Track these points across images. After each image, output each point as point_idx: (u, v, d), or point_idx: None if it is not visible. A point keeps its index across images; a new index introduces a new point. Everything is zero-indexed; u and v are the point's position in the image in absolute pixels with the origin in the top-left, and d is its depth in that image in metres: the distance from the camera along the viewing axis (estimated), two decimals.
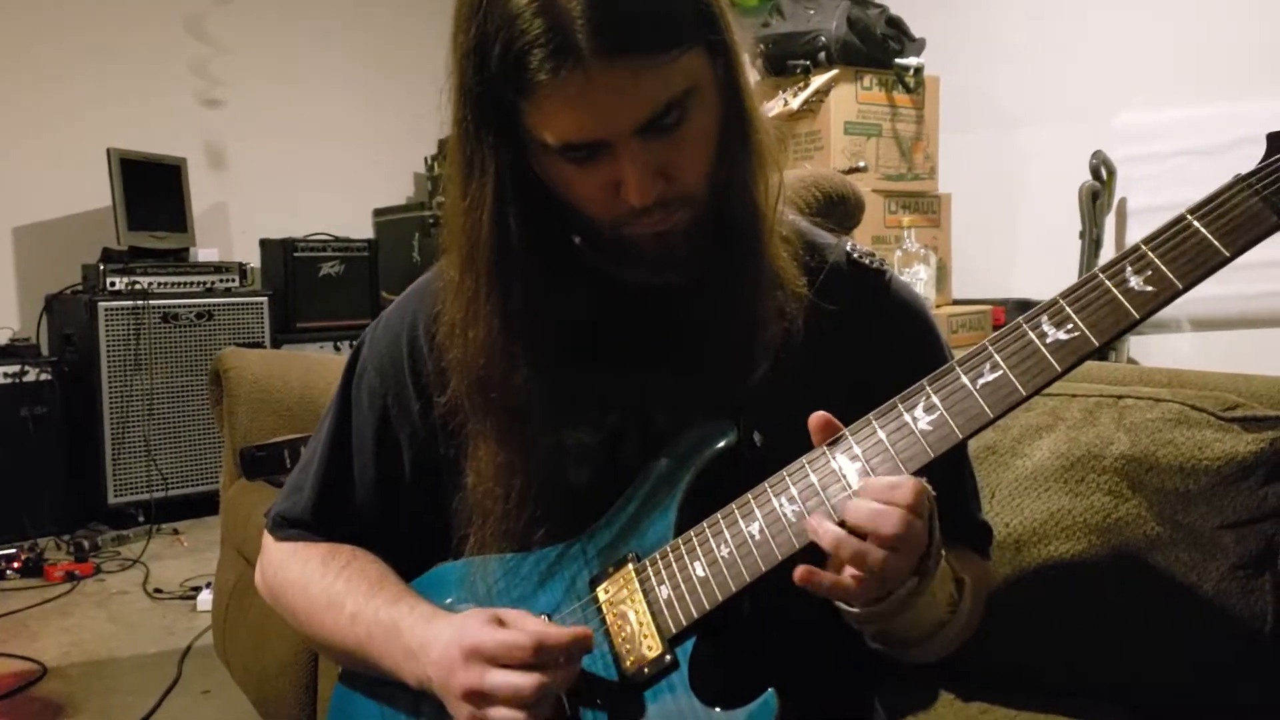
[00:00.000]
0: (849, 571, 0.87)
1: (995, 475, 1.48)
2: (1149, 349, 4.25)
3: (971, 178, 4.40)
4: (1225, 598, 1.30)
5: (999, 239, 4.62)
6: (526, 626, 0.96)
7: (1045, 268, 4.29)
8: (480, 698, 0.94)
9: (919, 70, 3.92)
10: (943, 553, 0.93)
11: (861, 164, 3.68)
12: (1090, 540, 1.39)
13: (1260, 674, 1.29)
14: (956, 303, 4.20)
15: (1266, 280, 3.91)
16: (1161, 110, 4.19)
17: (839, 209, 2.15)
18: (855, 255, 1.10)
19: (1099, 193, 4.16)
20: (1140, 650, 1.35)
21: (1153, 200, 4.13)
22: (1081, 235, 4.19)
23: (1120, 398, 1.45)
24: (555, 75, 0.87)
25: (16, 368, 4.19)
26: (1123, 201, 4.28)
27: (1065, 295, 0.86)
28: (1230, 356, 3.90)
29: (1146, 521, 1.35)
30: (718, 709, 0.90)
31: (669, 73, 0.89)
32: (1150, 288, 0.83)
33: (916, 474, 0.88)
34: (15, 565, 3.86)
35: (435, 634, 1.01)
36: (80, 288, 4.51)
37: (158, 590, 3.67)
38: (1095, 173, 4.17)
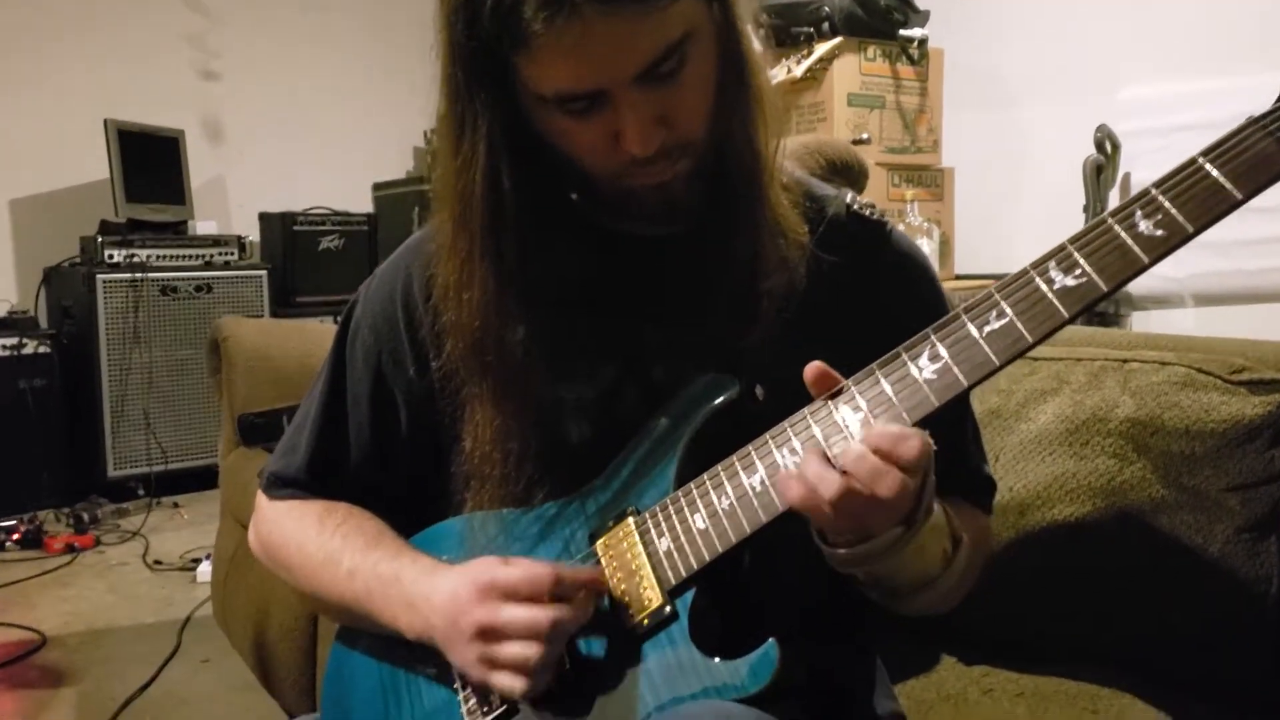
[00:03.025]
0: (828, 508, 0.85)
1: (999, 439, 1.47)
2: (1150, 325, 4.24)
3: (975, 151, 4.38)
4: (1230, 560, 1.29)
5: (1002, 213, 4.59)
6: (539, 563, 0.95)
7: (1048, 242, 4.22)
8: (492, 633, 0.93)
9: (923, 42, 3.90)
10: (937, 508, 0.92)
11: (864, 136, 3.66)
12: (1094, 503, 1.37)
13: (1265, 636, 1.28)
14: (959, 278, 4.19)
15: (1269, 256, 3.89)
16: (1167, 84, 4.16)
17: (842, 177, 2.14)
18: (855, 207, 1.09)
19: (1103, 167, 4.14)
20: (1144, 613, 1.34)
21: (1157, 174, 4.09)
22: (1085, 210, 4.17)
23: (1126, 361, 1.44)
24: (550, 25, 0.85)
25: (15, 340, 4.17)
26: (1127, 176, 4.26)
27: (1073, 241, 0.84)
28: (1232, 332, 3.88)
29: (1151, 484, 1.34)
30: (717, 659, 0.89)
31: (666, 18, 0.88)
32: (1160, 232, 0.81)
33: (920, 423, 0.86)
34: (15, 537, 3.86)
35: (438, 584, 1.00)
36: (78, 260, 4.49)
37: (157, 562, 3.67)
38: (1100, 146, 4.15)
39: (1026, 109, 4.67)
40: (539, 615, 0.91)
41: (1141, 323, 4.24)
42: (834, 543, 0.90)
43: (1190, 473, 1.32)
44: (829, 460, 0.85)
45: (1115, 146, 4.18)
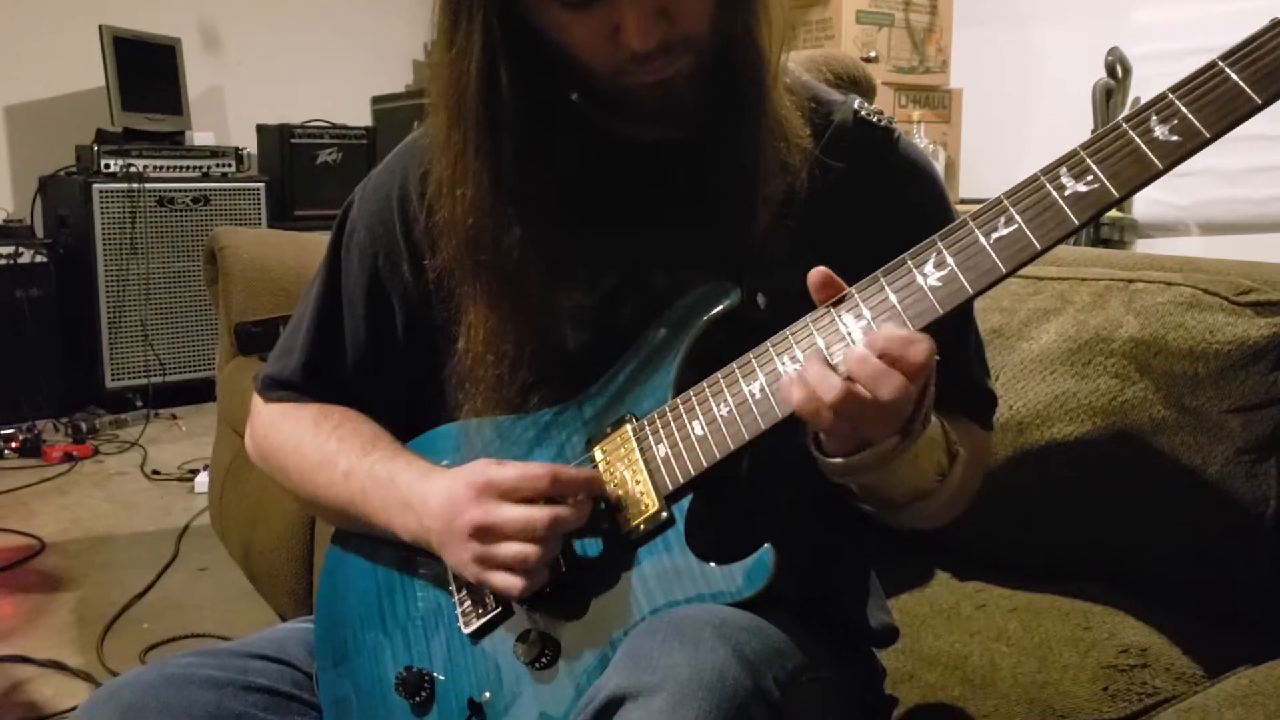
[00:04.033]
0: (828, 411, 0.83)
1: (1001, 358, 1.46)
2: (1156, 253, 4.21)
3: (984, 73, 4.31)
4: (1229, 481, 1.29)
5: (1009, 137, 4.53)
6: (534, 464, 0.95)
7: None
8: (489, 533, 0.93)
9: None
10: (934, 420, 0.91)
11: (873, 54, 3.60)
12: (1095, 423, 1.37)
13: (1261, 557, 1.29)
14: (964, 202, 4.15)
15: (1274, 184, 3.86)
16: (1181, 7, 4.08)
17: (849, 91, 2.09)
18: (863, 113, 1.06)
19: (1113, 91, 4.08)
20: (1141, 532, 1.35)
21: None
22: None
23: (1131, 281, 1.43)
24: None
25: (11, 249, 4.14)
26: (1137, 101, 4.20)
27: (1086, 146, 0.82)
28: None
29: (1153, 405, 1.34)
30: (712, 564, 0.89)
31: None
32: (1176, 137, 0.79)
33: (923, 332, 0.85)
34: (13, 445, 3.87)
35: (434, 486, 0.99)
36: (74, 169, 4.44)
37: (155, 472, 3.68)
38: (1110, 70, 4.08)
39: (1037, 30, 4.58)
40: (535, 514, 0.91)
41: (1147, 250, 4.21)
42: (830, 451, 0.89)
43: (1192, 394, 1.31)
44: (830, 364, 0.84)
45: (1126, 70, 4.11)
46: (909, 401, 0.83)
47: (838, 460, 0.88)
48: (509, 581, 0.93)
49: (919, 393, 0.85)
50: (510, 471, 0.93)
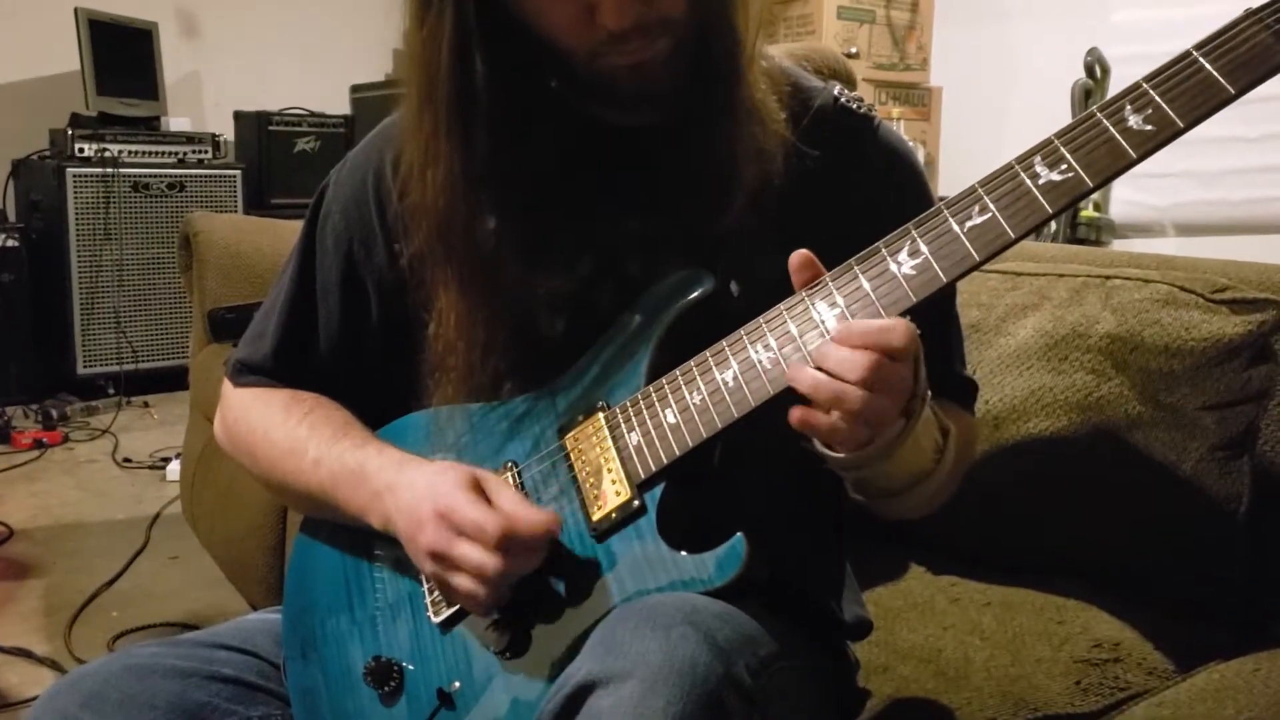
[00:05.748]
0: (834, 414, 0.83)
1: (978, 353, 1.46)
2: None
3: (964, 72, 4.32)
4: (1202, 478, 1.29)
5: (988, 135, 4.54)
6: (502, 502, 0.92)
7: None
8: (446, 561, 0.92)
9: None
10: (928, 395, 0.90)
11: (853, 50, 3.60)
12: (1070, 418, 1.37)
13: (1233, 554, 1.29)
14: (942, 200, 4.16)
15: (1252, 186, 3.88)
16: (1161, 8, 4.10)
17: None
18: (843, 100, 1.05)
19: (1092, 91, 4.09)
20: (1115, 528, 1.35)
21: None
22: None
23: (1108, 278, 1.43)
24: None
25: None
26: None
27: (1060, 135, 0.83)
28: None
29: (1128, 401, 1.34)
30: (684, 553, 0.88)
31: None
32: (1150, 127, 0.79)
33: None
34: None
35: (407, 479, 0.98)
36: (48, 153, 4.39)
37: (127, 460, 3.65)
38: (1089, 70, 4.10)
39: (1017, 30, 4.59)
40: (487, 562, 0.90)
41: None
42: (842, 448, 0.87)
43: (1168, 390, 1.31)
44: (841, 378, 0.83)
45: (1105, 71, 4.13)
46: (905, 380, 0.83)
47: (849, 455, 0.87)
48: (466, 604, 0.95)
49: (911, 371, 0.84)
50: (471, 515, 0.91)
